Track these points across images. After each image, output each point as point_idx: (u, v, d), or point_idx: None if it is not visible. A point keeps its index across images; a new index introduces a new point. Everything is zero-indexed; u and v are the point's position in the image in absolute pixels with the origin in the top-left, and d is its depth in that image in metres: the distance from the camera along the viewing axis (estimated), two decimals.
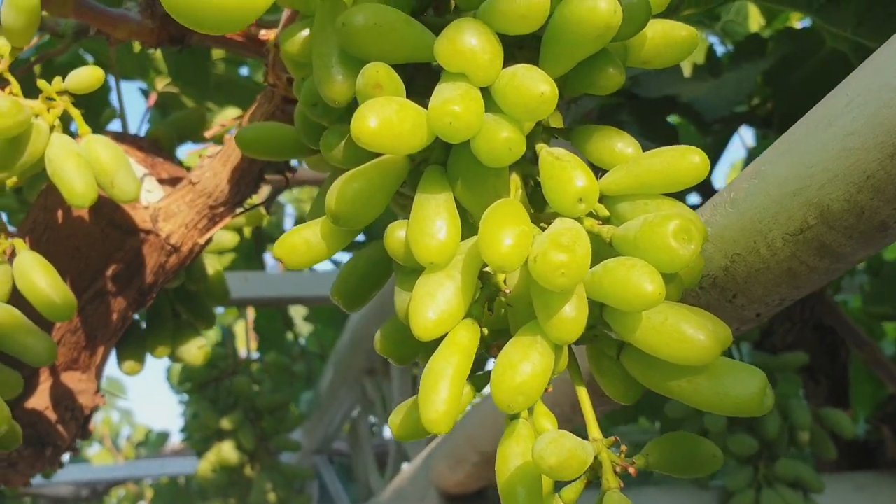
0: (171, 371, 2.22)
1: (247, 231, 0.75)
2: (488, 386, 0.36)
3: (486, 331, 0.36)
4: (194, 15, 0.35)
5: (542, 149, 0.36)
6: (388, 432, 1.68)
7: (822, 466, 1.14)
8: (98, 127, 0.96)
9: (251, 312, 1.82)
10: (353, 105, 0.37)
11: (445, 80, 0.34)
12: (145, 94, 1.39)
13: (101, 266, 0.60)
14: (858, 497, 1.09)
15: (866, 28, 0.65)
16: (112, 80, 0.96)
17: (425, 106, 0.34)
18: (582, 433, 0.34)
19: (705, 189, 1.06)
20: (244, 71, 1.53)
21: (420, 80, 0.39)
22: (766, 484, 0.97)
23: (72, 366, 0.64)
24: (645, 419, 1.44)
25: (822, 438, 1.03)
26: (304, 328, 2.18)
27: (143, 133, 0.75)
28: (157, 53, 1.16)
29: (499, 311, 0.37)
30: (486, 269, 0.36)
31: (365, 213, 0.35)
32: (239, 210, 0.59)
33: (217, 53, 1.23)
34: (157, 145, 0.67)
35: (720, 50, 1.29)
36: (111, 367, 0.69)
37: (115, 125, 1.06)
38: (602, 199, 0.36)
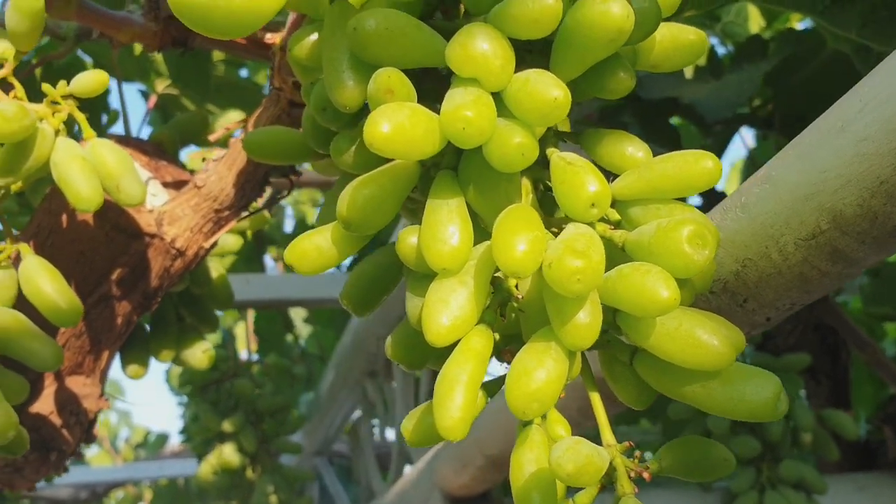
0: (171, 373, 2.21)
1: (248, 233, 0.75)
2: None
3: (497, 336, 0.36)
4: (202, 20, 0.35)
5: (553, 153, 0.36)
6: (389, 434, 1.68)
7: (824, 467, 1.15)
8: (99, 130, 0.96)
9: (251, 314, 1.82)
10: (363, 110, 0.37)
11: (457, 85, 0.34)
12: (145, 95, 1.38)
13: (105, 270, 0.59)
14: (860, 498, 1.09)
15: (871, 30, 0.65)
16: (113, 83, 0.96)
17: (434, 110, 0.34)
18: (589, 437, 0.34)
19: (707, 190, 1.06)
20: (244, 73, 1.53)
21: (428, 83, 0.39)
22: (769, 485, 0.98)
23: (76, 370, 0.64)
24: (646, 420, 1.44)
25: (825, 440, 1.03)
26: (303, 330, 2.18)
27: (143, 135, 0.75)
28: (158, 56, 1.16)
29: (510, 316, 0.37)
30: (498, 274, 0.36)
31: (376, 218, 0.35)
32: (244, 214, 0.59)
33: (217, 55, 1.22)
34: (160, 148, 0.67)
35: (720, 51, 1.30)
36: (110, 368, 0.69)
37: (117, 128, 1.05)
38: (613, 203, 0.36)
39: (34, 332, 0.51)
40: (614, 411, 0.51)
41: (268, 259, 1.82)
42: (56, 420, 0.64)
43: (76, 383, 0.65)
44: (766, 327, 0.42)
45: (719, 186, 1.25)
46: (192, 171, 0.68)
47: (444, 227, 0.34)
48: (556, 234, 0.35)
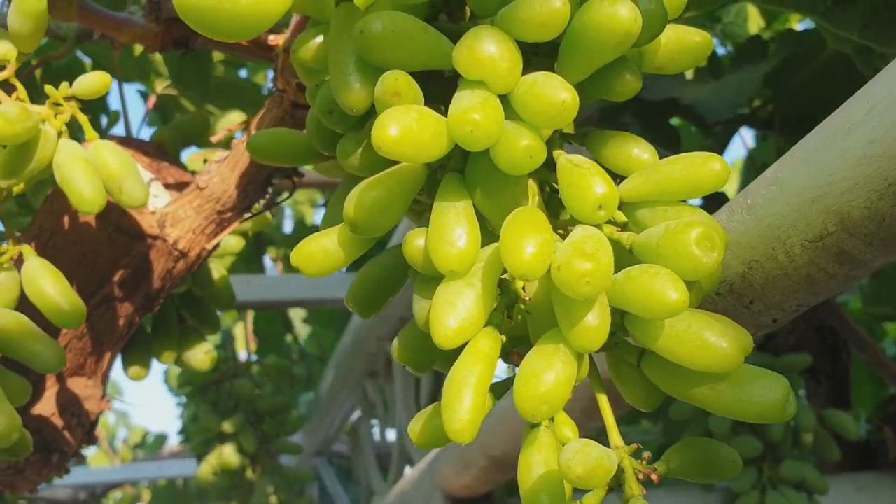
0: (169, 373, 2.21)
1: (249, 234, 0.75)
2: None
3: (504, 338, 0.36)
4: (208, 22, 0.35)
5: (560, 155, 0.35)
6: (389, 435, 1.68)
7: (823, 467, 1.15)
8: (99, 131, 0.96)
9: (249, 315, 1.82)
10: (368, 112, 0.37)
11: (464, 88, 0.34)
12: (144, 96, 1.38)
13: (107, 272, 0.59)
14: (860, 498, 1.09)
15: (873, 31, 0.65)
16: (114, 84, 0.95)
17: (438, 112, 0.34)
18: (592, 438, 0.34)
19: None
20: (243, 73, 1.53)
21: (432, 85, 0.39)
22: (770, 486, 0.98)
23: (78, 371, 0.64)
24: (647, 421, 1.44)
25: (826, 440, 1.03)
26: (302, 331, 2.17)
27: (142, 135, 0.75)
28: (158, 56, 1.16)
29: (516, 318, 0.37)
30: (505, 276, 0.36)
31: (383, 221, 0.35)
32: (246, 215, 0.59)
33: (216, 55, 1.22)
34: (162, 150, 0.67)
35: (720, 52, 1.30)
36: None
37: (117, 129, 1.05)
38: (620, 205, 0.36)
39: (37, 334, 0.51)
40: (617, 413, 0.51)
41: (266, 260, 1.82)
42: (58, 422, 0.63)
43: (78, 385, 0.65)
44: (772, 329, 0.42)
45: None
46: (192, 173, 0.67)
47: (452, 229, 0.34)
48: (561, 237, 0.35)
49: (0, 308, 0.50)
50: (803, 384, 1.14)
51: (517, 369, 0.37)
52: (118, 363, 0.70)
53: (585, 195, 0.33)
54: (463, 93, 0.33)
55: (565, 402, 0.32)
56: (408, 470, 1.23)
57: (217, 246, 0.59)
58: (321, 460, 1.90)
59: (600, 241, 0.32)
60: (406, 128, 0.31)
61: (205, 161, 0.71)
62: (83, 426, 0.65)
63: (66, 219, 0.59)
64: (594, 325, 0.32)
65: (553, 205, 0.38)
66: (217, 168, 0.58)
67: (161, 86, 1.26)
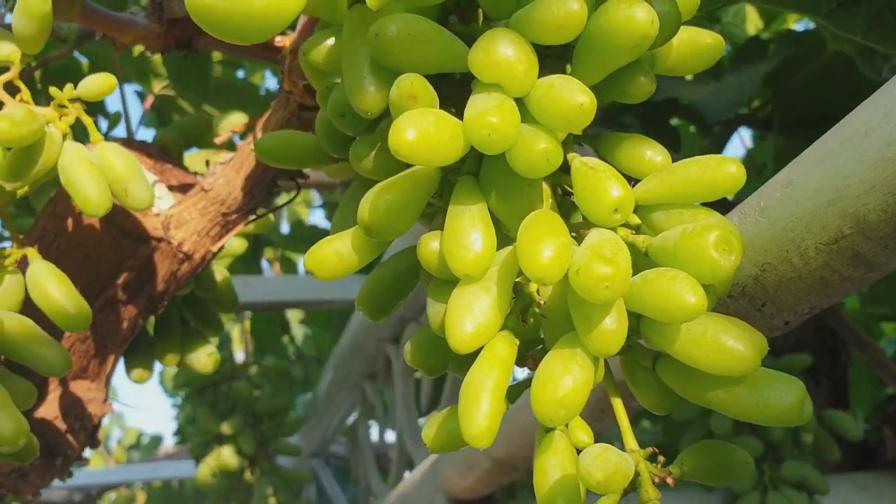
0: (164, 374, 2.20)
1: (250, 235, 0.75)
2: None
3: (517, 341, 0.36)
4: (221, 25, 0.35)
5: (574, 158, 0.35)
6: (388, 436, 1.68)
7: (823, 467, 1.15)
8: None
9: (246, 316, 1.81)
10: (381, 115, 0.37)
11: (479, 91, 0.33)
12: (141, 97, 1.38)
13: (111, 274, 0.59)
14: (861, 498, 1.09)
15: (876, 33, 0.65)
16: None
17: (449, 114, 0.34)
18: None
19: None
20: (240, 73, 1.53)
21: (443, 87, 0.38)
22: (771, 486, 0.98)
23: (81, 374, 0.64)
24: (647, 421, 1.44)
25: (826, 440, 1.03)
26: (298, 332, 2.17)
27: (139, 136, 0.75)
28: (156, 56, 1.15)
29: (529, 321, 0.37)
30: (519, 279, 0.36)
31: (398, 224, 0.35)
32: (251, 217, 0.59)
33: (215, 55, 1.22)
34: (165, 151, 0.66)
35: None
36: None
37: (118, 130, 1.05)
38: (635, 208, 0.36)
39: (42, 338, 0.51)
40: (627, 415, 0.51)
41: (262, 261, 1.82)
42: (61, 425, 0.63)
43: (80, 388, 0.64)
44: (783, 331, 0.42)
45: None
46: (195, 174, 0.67)
47: (468, 233, 0.33)
48: (574, 239, 0.35)
49: (5, 311, 0.50)
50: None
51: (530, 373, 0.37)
52: (120, 366, 0.69)
53: (601, 198, 0.33)
54: (479, 96, 0.33)
55: (583, 406, 0.32)
56: (407, 472, 1.23)
57: (222, 248, 0.59)
58: (318, 461, 1.89)
59: (618, 244, 0.31)
60: (423, 131, 0.31)
61: (207, 163, 0.70)
62: (86, 429, 0.65)
63: (69, 221, 0.59)
64: (612, 329, 0.32)
65: (564, 207, 0.38)
66: (222, 170, 0.57)
67: (158, 86, 1.26)
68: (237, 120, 0.72)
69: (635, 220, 0.36)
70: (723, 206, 0.37)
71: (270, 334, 1.82)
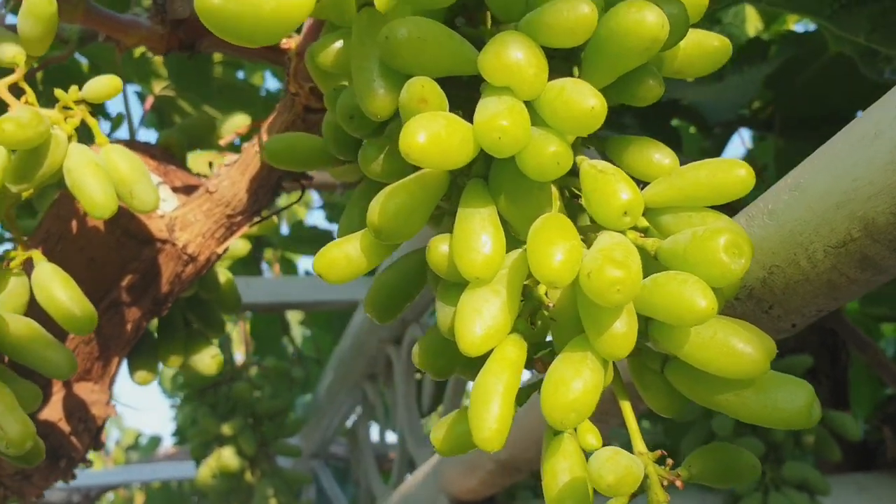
0: (163, 375, 2.20)
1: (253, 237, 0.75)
2: None
3: (526, 344, 0.36)
4: (230, 27, 0.35)
5: (583, 161, 0.35)
6: (389, 437, 1.68)
7: (822, 467, 1.15)
8: None
9: (245, 316, 1.81)
10: (389, 118, 0.37)
11: (489, 94, 0.33)
12: (141, 97, 1.37)
13: (116, 276, 0.59)
14: (861, 499, 1.09)
15: (880, 34, 0.66)
16: None
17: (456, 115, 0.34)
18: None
19: None
20: (240, 74, 1.52)
21: (449, 89, 0.38)
22: (773, 487, 0.98)
23: (85, 376, 0.64)
24: (646, 421, 1.44)
25: (827, 441, 1.03)
26: (298, 332, 2.17)
27: (138, 136, 0.75)
28: (157, 57, 1.15)
29: (537, 324, 0.37)
30: (527, 281, 0.36)
31: (407, 227, 0.35)
32: (256, 219, 0.59)
33: (215, 56, 1.22)
34: (168, 153, 0.66)
35: None
36: None
37: (121, 132, 1.05)
38: (644, 211, 0.36)
39: (48, 340, 0.50)
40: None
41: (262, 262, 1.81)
42: (65, 427, 0.63)
43: (84, 390, 0.64)
44: (790, 333, 0.42)
45: None
46: (197, 175, 0.67)
47: (477, 235, 0.33)
48: (582, 242, 0.35)
49: (10, 314, 0.50)
50: None
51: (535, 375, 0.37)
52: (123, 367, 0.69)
53: (610, 201, 0.33)
54: (489, 99, 0.33)
55: (593, 410, 0.32)
56: (409, 473, 1.23)
57: (227, 250, 0.59)
58: (318, 462, 1.89)
59: (629, 248, 0.32)
60: (434, 134, 0.31)
61: (210, 165, 0.70)
62: (90, 431, 0.65)
63: (73, 223, 0.58)
64: (622, 333, 0.32)
65: (571, 209, 0.38)
66: (227, 172, 0.57)
67: (159, 87, 1.26)
68: (240, 121, 0.72)
69: (643, 222, 0.36)
70: (728, 208, 0.37)
71: (270, 335, 1.82)
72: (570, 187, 0.38)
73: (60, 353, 0.51)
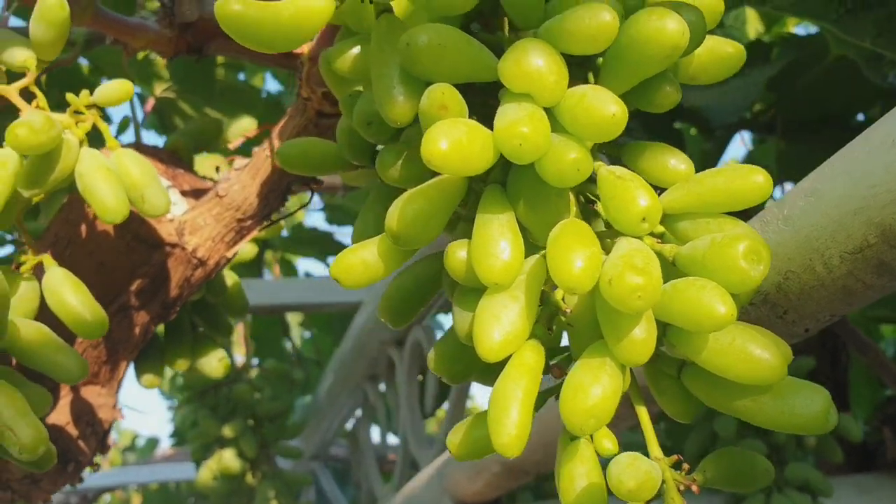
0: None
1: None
2: None
3: (544, 350, 0.36)
4: (251, 34, 0.35)
5: (601, 167, 0.35)
6: (390, 439, 1.68)
7: (822, 468, 1.15)
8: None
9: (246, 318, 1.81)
10: (408, 124, 0.37)
11: (509, 101, 0.34)
12: (141, 98, 1.37)
13: (125, 281, 0.59)
14: (862, 500, 1.09)
15: (886, 39, 0.66)
16: None
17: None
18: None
19: None
20: (240, 76, 1.52)
21: (464, 95, 0.39)
22: (775, 488, 0.98)
23: (92, 380, 0.64)
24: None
25: (829, 442, 1.03)
26: (297, 334, 2.16)
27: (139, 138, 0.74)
28: (159, 59, 1.15)
29: (553, 329, 0.37)
30: (544, 287, 0.36)
31: (426, 233, 0.35)
32: (265, 223, 0.59)
33: (217, 58, 1.22)
34: (176, 156, 0.66)
35: None
36: None
37: (126, 136, 1.04)
38: (661, 217, 0.36)
39: (59, 345, 0.50)
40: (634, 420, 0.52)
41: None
42: (72, 431, 0.63)
43: (91, 393, 0.64)
44: (803, 338, 0.42)
45: None
46: (204, 178, 0.67)
47: (496, 241, 0.34)
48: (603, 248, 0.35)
49: (21, 319, 0.50)
50: None
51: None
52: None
53: (629, 207, 0.34)
54: (509, 106, 0.33)
55: (612, 415, 0.32)
56: (411, 475, 1.23)
57: (236, 254, 0.59)
58: (318, 464, 1.89)
59: (649, 254, 0.32)
60: (456, 141, 0.31)
61: (217, 169, 0.70)
62: (97, 435, 0.65)
63: (82, 227, 0.58)
64: (641, 339, 0.32)
65: (586, 214, 0.38)
66: (237, 176, 0.57)
67: (159, 88, 1.26)
68: (247, 125, 0.72)
69: (659, 228, 0.36)
70: (740, 213, 0.38)
71: (270, 337, 1.82)
72: (585, 192, 0.38)
73: (71, 357, 0.51)
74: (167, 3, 0.64)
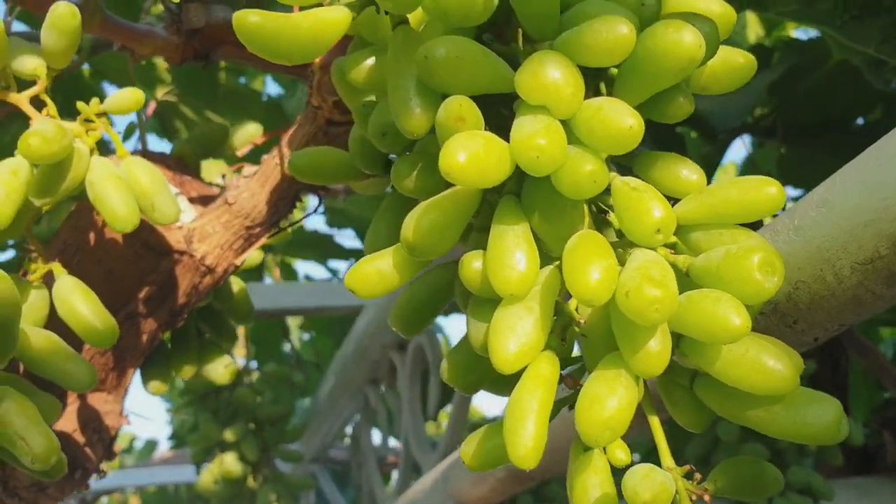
0: None
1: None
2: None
3: (559, 361, 0.36)
4: (269, 45, 0.35)
5: (615, 178, 0.36)
6: (391, 442, 1.68)
7: (822, 471, 1.16)
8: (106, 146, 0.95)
9: None
10: (423, 135, 0.37)
11: (525, 113, 0.34)
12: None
13: (133, 288, 0.59)
14: (862, 503, 1.10)
15: (890, 45, 0.66)
16: None
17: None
18: None
19: None
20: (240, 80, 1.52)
21: (480, 107, 0.39)
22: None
23: (99, 387, 0.64)
24: None
25: (830, 446, 1.04)
26: (297, 337, 2.16)
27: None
28: (161, 63, 1.15)
29: (566, 340, 0.37)
30: (558, 298, 0.36)
31: (441, 243, 0.35)
32: (274, 230, 0.59)
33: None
34: (183, 163, 0.66)
35: None
36: None
37: (130, 142, 1.04)
38: (675, 228, 0.36)
39: (68, 353, 0.50)
40: (644, 427, 0.52)
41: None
42: (80, 438, 0.63)
43: (98, 400, 0.64)
44: (812, 346, 0.43)
45: None
46: (209, 184, 0.67)
47: (512, 252, 0.34)
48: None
49: (31, 327, 0.50)
50: None
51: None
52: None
53: (644, 218, 0.34)
54: (525, 118, 0.33)
55: (627, 427, 0.33)
56: (413, 478, 1.23)
57: (244, 261, 0.59)
58: (318, 467, 1.89)
59: (664, 266, 0.32)
60: (474, 154, 0.31)
61: (224, 177, 0.70)
62: (104, 441, 0.65)
63: (91, 235, 0.59)
64: (657, 351, 0.32)
65: (598, 225, 0.39)
66: (246, 184, 0.57)
67: (160, 92, 1.26)
68: (253, 131, 0.72)
69: (672, 239, 0.36)
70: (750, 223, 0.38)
71: (270, 340, 1.82)
72: (598, 203, 0.38)
73: (81, 365, 0.51)
74: (174, 9, 0.64)
